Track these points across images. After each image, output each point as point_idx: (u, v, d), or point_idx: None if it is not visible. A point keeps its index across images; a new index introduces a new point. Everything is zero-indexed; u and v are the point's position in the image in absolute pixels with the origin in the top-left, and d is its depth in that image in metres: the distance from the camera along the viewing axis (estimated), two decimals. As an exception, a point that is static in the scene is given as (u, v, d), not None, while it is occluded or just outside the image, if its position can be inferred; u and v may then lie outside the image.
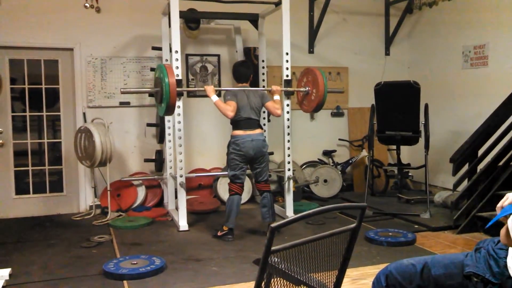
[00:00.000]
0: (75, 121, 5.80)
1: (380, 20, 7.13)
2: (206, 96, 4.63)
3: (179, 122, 4.86)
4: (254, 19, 5.90)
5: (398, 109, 5.64)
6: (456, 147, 5.13)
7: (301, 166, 6.68)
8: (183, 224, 4.93)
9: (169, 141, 5.59)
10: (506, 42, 5.52)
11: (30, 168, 5.77)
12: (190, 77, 6.27)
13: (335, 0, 6.56)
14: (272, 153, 6.18)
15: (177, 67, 4.74)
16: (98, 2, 5.79)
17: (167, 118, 5.52)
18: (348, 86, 6.94)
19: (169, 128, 5.60)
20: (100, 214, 5.63)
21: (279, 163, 6.38)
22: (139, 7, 5.93)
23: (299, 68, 5.89)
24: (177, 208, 5.19)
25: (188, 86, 6.17)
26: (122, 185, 5.78)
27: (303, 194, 6.43)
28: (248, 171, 4.88)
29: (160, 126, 5.79)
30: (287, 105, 5.21)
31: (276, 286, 1.66)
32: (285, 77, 5.14)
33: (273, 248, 1.54)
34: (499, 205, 1.71)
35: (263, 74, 5.99)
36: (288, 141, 5.20)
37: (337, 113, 6.98)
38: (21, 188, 5.73)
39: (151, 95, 5.68)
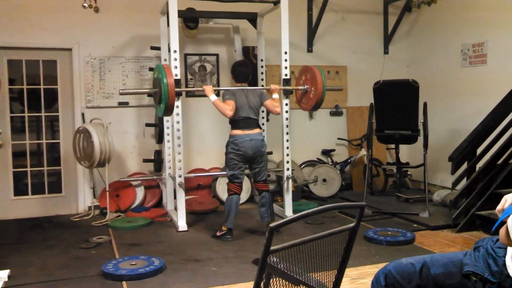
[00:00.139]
0: (74, 122, 5.80)
1: (379, 18, 7.12)
2: (205, 96, 4.63)
3: (178, 122, 4.85)
4: (252, 18, 5.90)
5: (397, 108, 5.64)
6: (455, 145, 5.14)
7: (300, 165, 6.67)
8: (182, 224, 4.93)
9: (168, 141, 5.60)
10: (504, 40, 5.51)
11: (28, 169, 5.75)
12: (189, 76, 6.26)
13: (334, -1, 6.57)
14: (271, 153, 6.17)
15: (175, 67, 4.73)
16: (97, 2, 5.78)
17: (165, 118, 5.52)
18: (346, 85, 6.93)
19: (168, 128, 5.60)
20: (99, 214, 5.62)
21: (278, 162, 6.37)
22: (137, 6, 5.92)
23: (298, 67, 5.88)
24: (176, 208, 5.18)
25: (186, 86, 6.16)
26: (121, 185, 5.77)
27: (302, 193, 6.42)
28: (247, 171, 4.88)
29: (159, 126, 5.78)
30: (286, 104, 5.20)
31: (275, 286, 1.65)
32: (284, 76, 5.14)
33: (272, 248, 1.53)
34: (499, 207, 1.71)
35: (262, 73, 5.98)
36: (287, 140, 5.19)
37: (336, 112, 6.98)
38: (19, 189, 5.72)
39: (149, 95, 5.67)
